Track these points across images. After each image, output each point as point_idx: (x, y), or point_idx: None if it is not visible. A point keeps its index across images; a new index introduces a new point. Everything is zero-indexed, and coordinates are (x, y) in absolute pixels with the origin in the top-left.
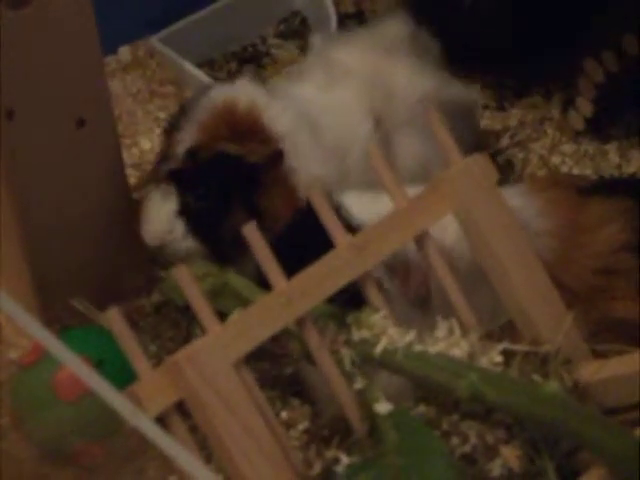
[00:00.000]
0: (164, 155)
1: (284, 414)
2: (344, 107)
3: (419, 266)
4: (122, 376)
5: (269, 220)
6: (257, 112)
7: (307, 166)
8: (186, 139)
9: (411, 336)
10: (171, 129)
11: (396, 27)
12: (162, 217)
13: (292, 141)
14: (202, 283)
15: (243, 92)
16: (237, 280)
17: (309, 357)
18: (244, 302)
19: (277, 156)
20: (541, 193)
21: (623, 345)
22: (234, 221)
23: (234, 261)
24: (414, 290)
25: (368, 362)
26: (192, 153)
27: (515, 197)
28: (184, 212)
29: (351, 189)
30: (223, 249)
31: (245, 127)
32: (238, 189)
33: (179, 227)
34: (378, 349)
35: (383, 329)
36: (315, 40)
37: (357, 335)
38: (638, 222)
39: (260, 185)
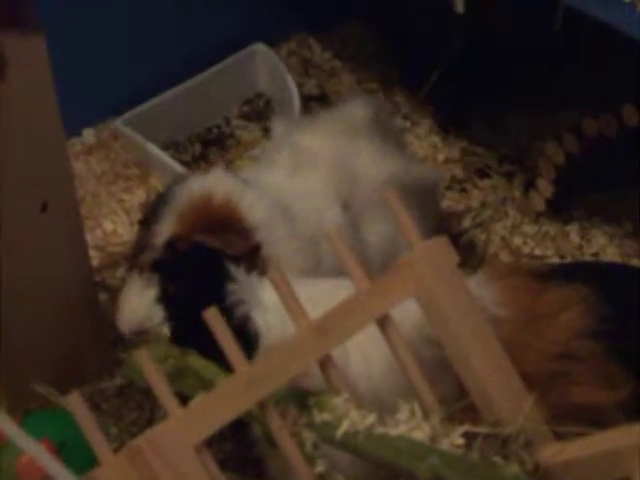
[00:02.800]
0: (141, 245)
1: None
2: (312, 193)
3: None
4: (85, 459)
5: None
6: (233, 203)
7: (283, 255)
8: (164, 230)
9: (372, 419)
10: (148, 220)
11: (357, 110)
12: (143, 304)
13: (268, 230)
14: (164, 365)
15: (218, 183)
16: (198, 362)
17: (271, 440)
18: (206, 383)
19: (255, 249)
20: (499, 281)
21: (583, 428)
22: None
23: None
24: None
25: (330, 445)
26: (171, 243)
27: (474, 287)
28: (164, 299)
29: (324, 276)
30: (200, 336)
31: (222, 218)
32: (217, 279)
33: (158, 314)
34: (339, 432)
35: (345, 412)
36: (276, 125)
37: (319, 417)
38: (597, 308)
39: None
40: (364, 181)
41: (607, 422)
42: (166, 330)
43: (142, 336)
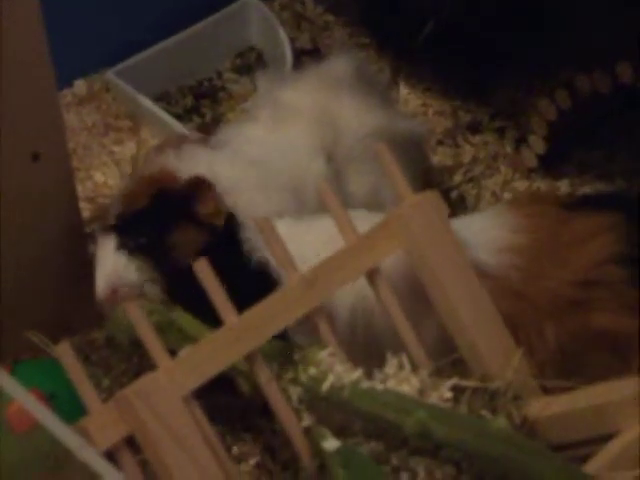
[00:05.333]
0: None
1: (235, 448)
2: (295, 146)
3: None
4: (75, 409)
5: None
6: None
7: (259, 209)
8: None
9: (358, 373)
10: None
11: (342, 65)
12: (107, 263)
13: (240, 192)
14: None
15: (184, 159)
16: (183, 317)
17: (257, 392)
18: (190, 339)
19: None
20: (520, 209)
21: (604, 357)
22: (181, 239)
23: (188, 297)
24: None
25: (316, 399)
26: (121, 213)
27: (491, 215)
28: (123, 246)
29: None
30: (177, 282)
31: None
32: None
33: (119, 262)
34: (325, 387)
35: (330, 366)
36: (261, 81)
37: (304, 372)
38: (625, 236)
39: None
40: (347, 134)
41: (628, 350)
42: (149, 289)
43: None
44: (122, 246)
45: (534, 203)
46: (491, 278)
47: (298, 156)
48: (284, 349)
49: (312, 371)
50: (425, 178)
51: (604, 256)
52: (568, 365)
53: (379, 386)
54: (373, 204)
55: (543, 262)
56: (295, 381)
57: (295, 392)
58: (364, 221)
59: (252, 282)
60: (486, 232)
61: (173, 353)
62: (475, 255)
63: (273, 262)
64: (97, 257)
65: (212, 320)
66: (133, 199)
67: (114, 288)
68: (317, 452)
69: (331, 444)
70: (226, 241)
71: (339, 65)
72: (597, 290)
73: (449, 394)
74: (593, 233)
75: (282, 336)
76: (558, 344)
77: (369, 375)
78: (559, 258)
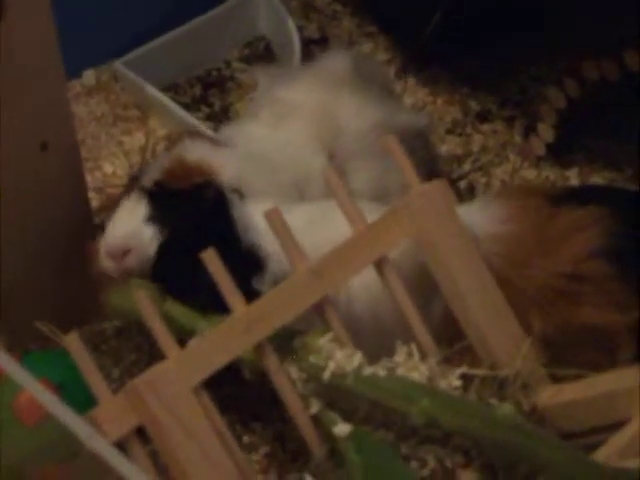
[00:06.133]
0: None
1: (245, 438)
2: (296, 144)
3: None
4: (85, 400)
5: None
6: (206, 163)
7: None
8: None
9: (359, 359)
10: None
11: (340, 60)
12: (131, 221)
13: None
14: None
15: (188, 150)
16: (175, 308)
17: (263, 381)
18: (183, 330)
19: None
20: (508, 200)
21: (590, 352)
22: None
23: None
24: None
25: (319, 386)
26: (160, 184)
27: (480, 206)
28: (154, 219)
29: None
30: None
31: (199, 176)
32: (223, 207)
33: (146, 233)
34: (326, 374)
35: (330, 353)
36: (261, 78)
37: (305, 360)
38: (611, 230)
39: None
40: (348, 131)
41: (615, 345)
42: (153, 250)
43: (124, 260)
44: (153, 217)
45: (521, 195)
46: None
47: (300, 154)
48: (284, 336)
49: (312, 358)
50: (430, 170)
51: (590, 250)
52: (551, 358)
53: (381, 372)
54: (377, 201)
55: (529, 252)
56: (299, 367)
57: (299, 379)
58: (371, 212)
59: (241, 263)
60: (473, 221)
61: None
62: None
63: (265, 246)
64: (117, 211)
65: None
66: (173, 177)
67: (126, 250)
68: (327, 439)
69: (342, 429)
70: (217, 219)
71: (338, 61)
72: (583, 284)
73: (458, 382)
74: (579, 227)
75: None
76: (543, 335)
77: (376, 362)
78: (545, 250)
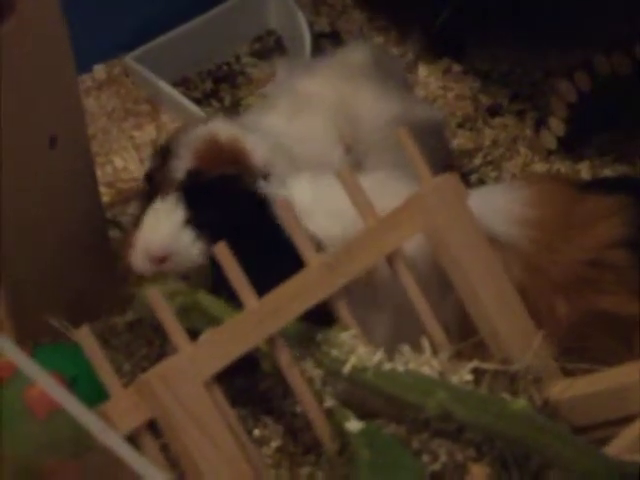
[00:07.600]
0: (157, 179)
1: (256, 432)
2: (313, 136)
3: None
4: (96, 394)
5: None
6: (239, 144)
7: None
8: (183, 166)
9: (380, 355)
10: (162, 158)
11: (358, 53)
12: (169, 223)
13: (272, 170)
14: (172, 301)
15: (221, 128)
16: (207, 299)
17: (279, 375)
18: (214, 320)
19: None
20: (534, 185)
21: (607, 340)
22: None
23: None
24: None
25: (338, 381)
26: (194, 174)
27: (505, 190)
28: (193, 222)
29: None
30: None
31: (231, 156)
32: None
33: (186, 236)
34: (347, 368)
35: (352, 348)
36: (280, 69)
37: (326, 354)
38: (636, 219)
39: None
40: (365, 123)
41: (633, 334)
42: (194, 254)
43: (162, 265)
44: (193, 220)
45: (547, 181)
46: (505, 249)
47: (318, 146)
48: (307, 331)
49: (334, 353)
50: (445, 163)
51: (613, 238)
52: (572, 345)
53: (401, 367)
54: None
55: (555, 237)
56: (318, 363)
57: (318, 374)
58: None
59: (282, 260)
60: (500, 204)
61: (198, 334)
62: (489, 226)
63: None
64: (153, 210)
65: None
66: (206, 160)
67: (166, 254)
68: (339, 434)
69: (354, 425)
70: (258, 216)
71: (356, 53)
72: (605, 272)
73: (469, 377)
74: (604, 215)
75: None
76: (568, 321)
77: (391, 357)
78: (569, 236)
